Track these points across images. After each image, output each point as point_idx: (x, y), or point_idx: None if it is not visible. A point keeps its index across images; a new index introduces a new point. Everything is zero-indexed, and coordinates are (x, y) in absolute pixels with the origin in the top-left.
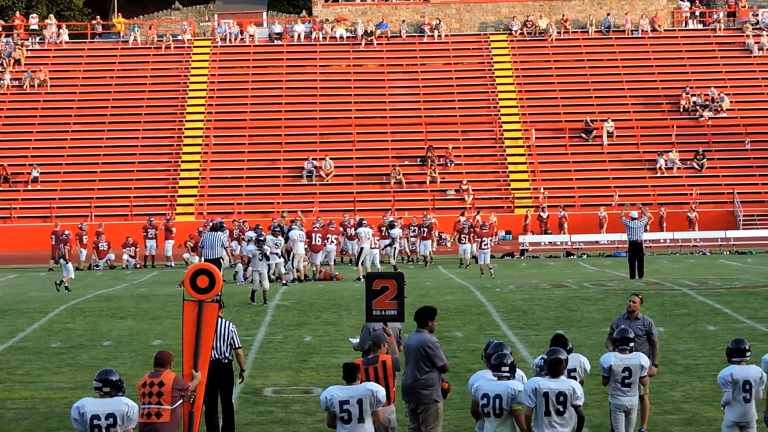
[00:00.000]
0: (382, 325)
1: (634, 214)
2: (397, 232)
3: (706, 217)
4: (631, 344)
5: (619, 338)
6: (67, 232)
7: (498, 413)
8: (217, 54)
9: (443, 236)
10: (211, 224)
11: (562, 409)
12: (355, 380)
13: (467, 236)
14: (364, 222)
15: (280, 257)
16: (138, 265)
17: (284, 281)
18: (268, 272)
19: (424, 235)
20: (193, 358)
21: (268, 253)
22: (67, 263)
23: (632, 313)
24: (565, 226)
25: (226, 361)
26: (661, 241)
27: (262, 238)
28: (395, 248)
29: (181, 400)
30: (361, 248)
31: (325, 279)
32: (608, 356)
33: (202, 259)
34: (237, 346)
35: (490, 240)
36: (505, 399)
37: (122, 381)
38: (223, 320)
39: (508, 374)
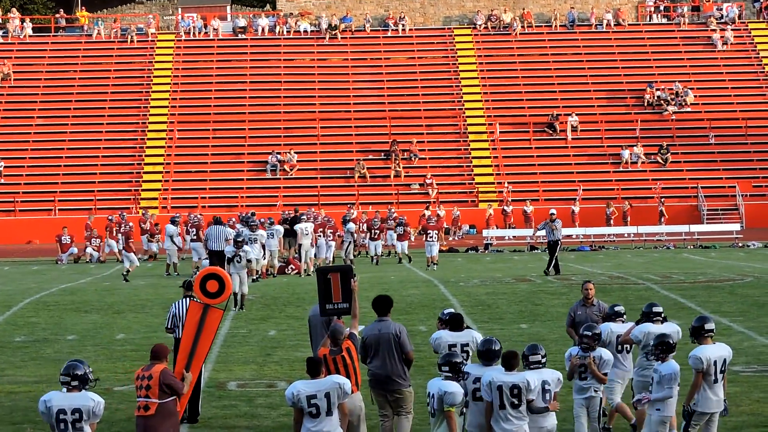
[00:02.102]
0: (335, 319)
1: (554, 210)
2: (352, 226)
3: (670, 211)
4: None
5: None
6: (130, 224)
7: (432, 413)
8: (180, 48)
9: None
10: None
11: (517, 402)
12: (319, 374)
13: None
14: (303, 217)
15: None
16: (102, 259)
17: (254, 276)
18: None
19: (373, 235)
20: (187, 358)
21: (247, 256)
22: (129, 254)
23: (588, 300)
24: (533, 220)
25: None
26: (625, 235)
27: (240, 239)
28: (351, 242)
29: (173, 397)
30: (299, 244)
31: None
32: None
33: (205, 252)
34: None
35: (435, 233)
36: (437, 399)
37: (88, 375)
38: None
39: (450, 375)
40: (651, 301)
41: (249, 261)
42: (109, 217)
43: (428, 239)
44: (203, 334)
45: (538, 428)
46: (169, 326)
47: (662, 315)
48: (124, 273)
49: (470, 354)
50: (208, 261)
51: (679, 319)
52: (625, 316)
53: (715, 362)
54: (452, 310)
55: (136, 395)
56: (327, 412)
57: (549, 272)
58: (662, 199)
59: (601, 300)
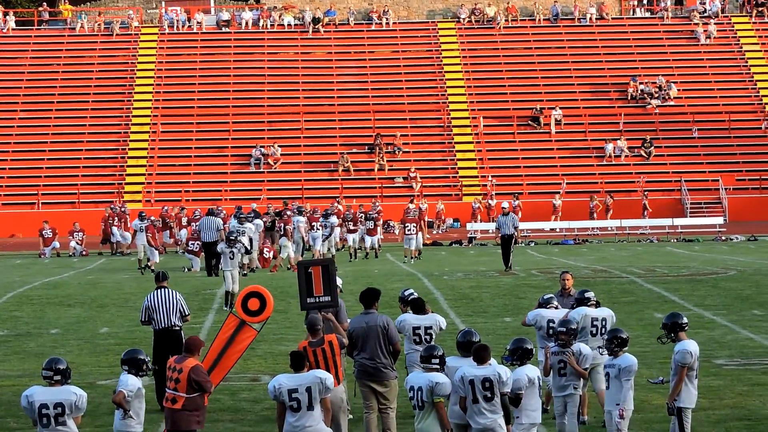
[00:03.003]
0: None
1: (506, 204)
2: (334, 220)
3: (653, 204)
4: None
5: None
6: (151, 217)
7: (421, 405)
8: (164, 41)
9: (391, 224)
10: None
11: (489, 395)
12: (302, 368)
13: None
14: (295, 211)
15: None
16: (84, 253)
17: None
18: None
19: (350, 227)
20: (210, 366)
21: (240, 252)
22: (153, 247)
23: (566, 290)
24: (519, 214)
25: (177, 328)
26: (609, 228)
27: (233, 237)
28: (333, 237)
29: (200, 392)
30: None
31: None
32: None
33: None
34: (186, 313)
35: (414, 226)
36: (425, 391)
37: (70, 369)
38: (170, 290)
39: (437, 367)
40: (583, 288)
41: (247, 253)
42: (113, 207)
43: (407, 233)
44: (231, 348)
45: (530, 424)
46: (143, 319)
47: (595, 300)
48: (151, 267)
49: (433, 337)
50: (186, 253)
51: (662, 313)
52: (556, 303)
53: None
54: (413, 291)
55: (166, 386)
56: (308, 407)
57: (510, 266)
58: (646, 193)
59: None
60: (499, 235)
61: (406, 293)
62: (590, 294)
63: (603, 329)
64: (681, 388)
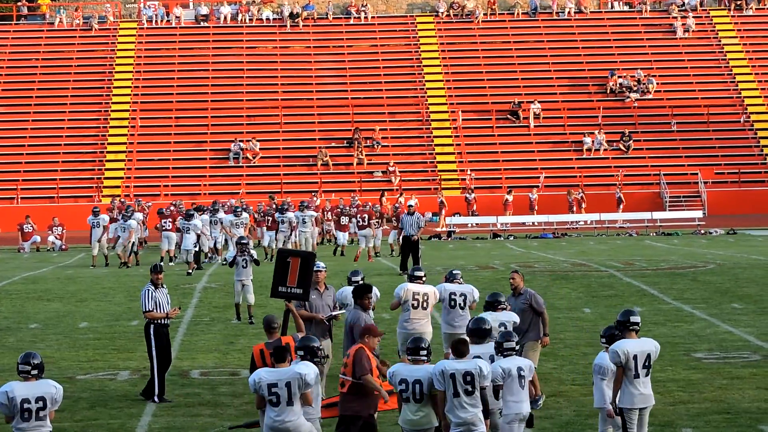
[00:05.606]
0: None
1: (412, 203)
2: (290, 215)
3: (632, 198)
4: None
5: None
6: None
7: (418, 398)
8: (143, 36)
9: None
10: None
11: (470, 389)
12: (284, 362)
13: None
14: (293, 207)
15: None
16: (64, 247)
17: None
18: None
19: (343, 223)
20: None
21: (250, 262)
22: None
23: (515, 289)
24: (511, 210)
25: (146, 321)
26: (588, 222)
27: (245, 242)
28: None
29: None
30: (300, 232)
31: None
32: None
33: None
34: (143, 309)
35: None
36: (426, 384)
37: (43, 363)
38: (148, 284)
39: (426, 359)
40: (416, 267)
41: (257, 263)
42: (113, 201)
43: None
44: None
45: (514, 414)
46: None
47: (424, 278)
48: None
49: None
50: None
51: (642, 307)
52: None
53: (636, 357)
54: (361, 275)
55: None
56: (288, 402)
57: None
58: (620, 186)
59: (533, 290)
60: (403, 235)
61: (353, 272)
62: (420, 273)
63: (425, 303)
64: (619, 388)
